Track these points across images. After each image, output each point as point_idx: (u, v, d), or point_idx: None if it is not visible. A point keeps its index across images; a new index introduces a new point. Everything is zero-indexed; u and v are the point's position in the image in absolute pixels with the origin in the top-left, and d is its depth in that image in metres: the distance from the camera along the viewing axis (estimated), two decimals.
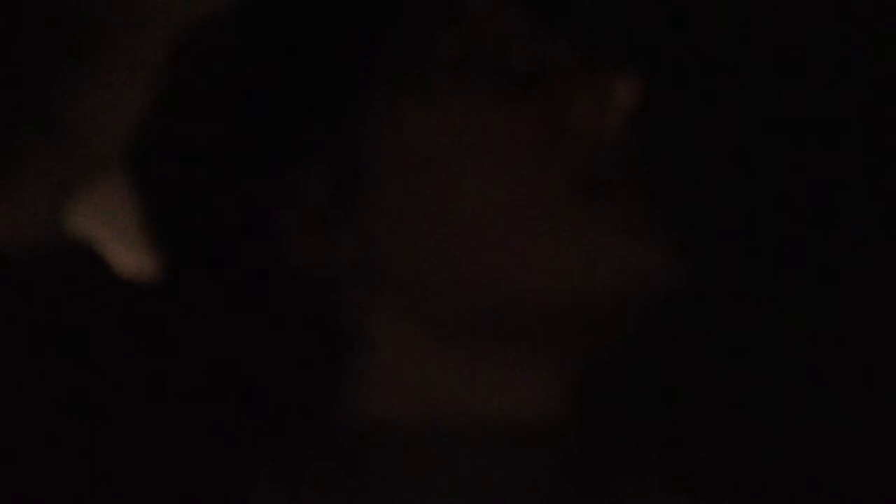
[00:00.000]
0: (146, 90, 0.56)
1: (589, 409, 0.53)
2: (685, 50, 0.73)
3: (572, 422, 0.51)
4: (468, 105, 0.51)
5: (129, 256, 0.78)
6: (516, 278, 0.50)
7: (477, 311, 0.51)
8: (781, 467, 0.54)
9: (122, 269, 0.78)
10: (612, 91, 0.52)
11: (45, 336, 0.55)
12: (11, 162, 0.95)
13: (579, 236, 0.50)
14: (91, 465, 0.50)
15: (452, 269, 0.51)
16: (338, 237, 0.52)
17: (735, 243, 0.68)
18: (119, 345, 0.54)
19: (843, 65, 0.70)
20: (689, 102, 0.71)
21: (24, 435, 0.50)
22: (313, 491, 0.49)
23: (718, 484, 0.52)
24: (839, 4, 0.70)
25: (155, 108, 0.56)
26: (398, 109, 0.52)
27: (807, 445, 0.54)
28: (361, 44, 0.53)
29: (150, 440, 0.50)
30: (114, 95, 0.96)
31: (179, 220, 0.54)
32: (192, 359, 0.53)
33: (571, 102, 0.52)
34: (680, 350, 0.61)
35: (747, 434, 0.55)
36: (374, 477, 0.49)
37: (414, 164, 0.51)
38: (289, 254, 0.52)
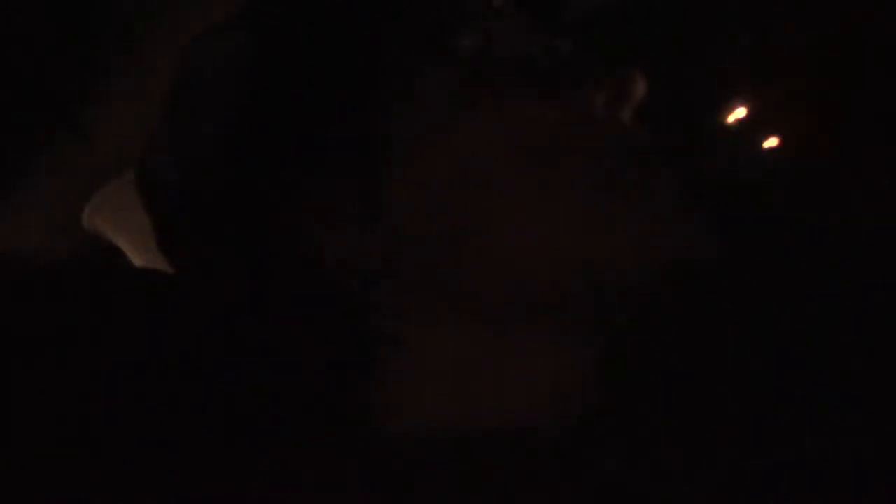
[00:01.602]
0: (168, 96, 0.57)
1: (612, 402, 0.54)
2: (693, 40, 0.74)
3: (593, 419, 0.52)
4: (492, 98, 0.52)
5: (148, 253, 0.80)
6: (548, 267, 0.51)
7: (508, 304, 0.51)
8: (796, 466, 0.54)
9: (141, 264, 0.80)
10: (630, 84, 0.53)
11: (73, 338, 0.56)
12: (43, 167, 0.97)
13: (606, 218, 0.51)
14: (115, 464, 0.51)
15: (483, 264, 0.51)
16: (367, 238, 0.52)
17: (760, 225, 0.68)
18: (144, 344, 0.55)
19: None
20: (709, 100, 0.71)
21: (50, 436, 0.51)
22: (348, 493, 0.49)
23: (730, 480, 0.52)
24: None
25: (173, 116, 0.57)
26: (424, 106, 0.52)
27: (821, 443, 0.54)
28: (382, 43, 0.53)
29: (177, 447, 0.51)
30: (136, 100, 0.98)
31: (208, 224, 0.55)
32: (223, 361, 0.54)
33: (593, 94, 0.53)
34: (702, 336, 0.61)
35: (766, 429, 0.55)
36: (405, 477, 0.50)
37: (441, 161, 0.52)
38: (318, 256, 0.52)
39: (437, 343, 0.51)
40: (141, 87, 0.98)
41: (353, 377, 0.51)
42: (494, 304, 0.50)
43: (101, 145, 1.02)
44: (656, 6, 0.73)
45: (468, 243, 0.50)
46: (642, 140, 0.52)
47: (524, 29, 0.53)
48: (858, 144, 0.69)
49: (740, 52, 0.71)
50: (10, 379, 0.52)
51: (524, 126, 0.51)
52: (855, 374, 0.57)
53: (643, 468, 0.49)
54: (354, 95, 0.51)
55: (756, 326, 0.61)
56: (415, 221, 0.50)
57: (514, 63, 0.52)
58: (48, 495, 0.49)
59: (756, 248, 0.64)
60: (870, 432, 0.53)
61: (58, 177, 1.02)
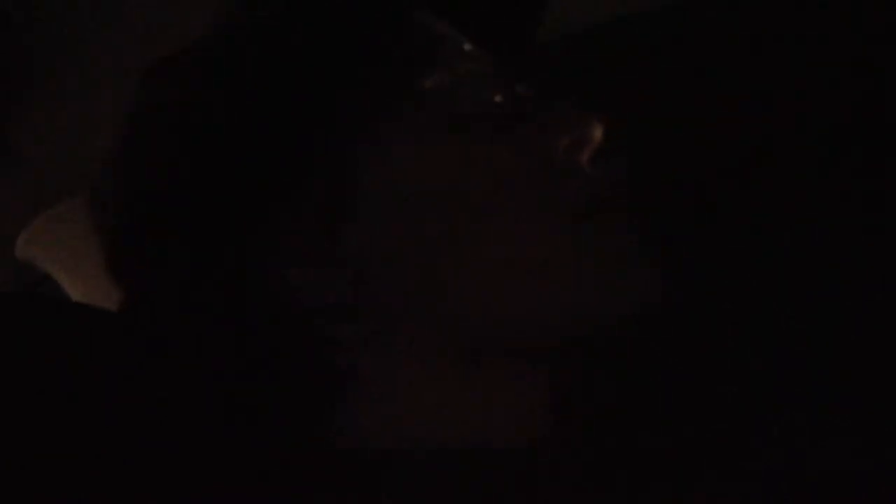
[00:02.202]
0: (117, 117, 0.56)
1: (576, 427, 0.54)
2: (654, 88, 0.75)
3: (561, 439, 0.52)
4: (456, 141, 0.53)
5: (85, 284, 0.78)
6: (507, 306, 0.51)
7: (469, 339, 0.52)
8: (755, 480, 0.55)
9: (77, 296, 0.78)
10: (590, 127, 0.54)
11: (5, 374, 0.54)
12: None
13: (567, 262, 0.51)
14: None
15: (444, 300, 0.51)
16: (330, 270, 0.52)
17: (720, 266, 0.69)
18: (81, 380, 0.54)
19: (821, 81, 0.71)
20: (668, 133, 0.72)
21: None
22: None
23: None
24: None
25: (133, 136, 0.56)
26: (387, 144, 0.53)
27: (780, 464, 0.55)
28: (348, 82, 0.53)
29: (135, 482, 0.50)
30: (71, 125, 0.97)
31: (163, 251, 0.54)
32: (181, 392, 0.53)
33: (555, 137, 0.54)
34: (665, 367, 0.62)
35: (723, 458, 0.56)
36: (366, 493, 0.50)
37: (405, 197, 0.52)
38: (279, 287, 0.52)
39: (397, 375, 0.51)
40: (77, 116, 0.96)
41: (314, 409, 0.51)
42: (453, 340, 0.51)
43: (36, 174, 1.00)
44: (619, 53, 0.74)
45: (429, 282, 0.50)
46: (601, 184, 0.53)
47: (489, 72, 0.54)
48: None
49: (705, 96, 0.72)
50: None
51: (485, 169, 0.51)
52: (811, 419, 0.58)
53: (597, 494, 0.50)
54: (318, 132, 0.51)
55: (713, 369, 0.63)
56: (377, 258, 0.50)
57: (478, 106, 0.53)
58: None
59: (713, 295, 0.65)
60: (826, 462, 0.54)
61: None
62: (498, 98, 0.53)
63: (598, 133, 0.52)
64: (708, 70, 0.72)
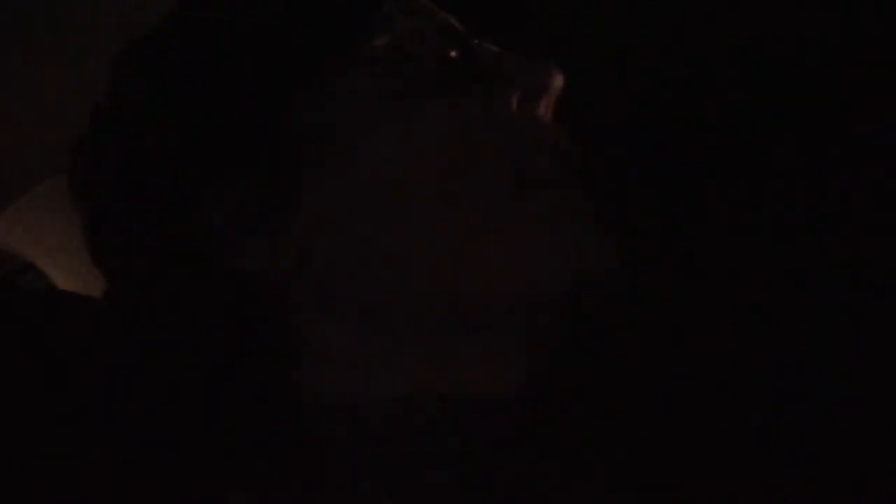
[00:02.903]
0: (78, 103, 0.56)
1: (541, 394, 0.54)
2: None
3: (524, 405, 0.52)
4: (400, 100, 0.51)
5: (61, 268, 0.77)
6: (454, 276, 0.50)
7: (417, 309, 0.51)
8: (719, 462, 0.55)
9: (55, 280, 0.78)
10: (543, 79, 0.52)
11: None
12: None
13: (514, 234, 0.50)
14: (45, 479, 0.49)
15: (390, 269, 0.50)
16: (276, 239, 0.51)
17: (671, 242, 0.69)
18: (70, 367, 0.53)
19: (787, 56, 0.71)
20: (626, 100, 0.71)
21: None
22: (274, 492, 0.48)
23: (671, 478, 0.53)
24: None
25: (91, 119, 0.56)
26: (330, 108, 0.52)
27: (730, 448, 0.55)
28: (289, 43, 0.52)
29: (99, 457, 0.50)
30: (43, 110, 0.95)
31: (118, 231, 0.53)
32: (137, 369, 0.53)
33: (503, 91, 0.52)
34: (619, 344, 0.62)
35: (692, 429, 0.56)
36: (334, 473, 0.49)
37: (348, 163, 0.51)
38: (227, 257, 0.51)
39: (351, 342, 0.51)
40: (40, 102, 0.95)
41: (269, 376, 0.51)
42: (404, 311, 0.50)
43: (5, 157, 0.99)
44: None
45: (380, 249, 0.50)
46: (560, 139, 0.52)
47: (440, 28, 0.53)
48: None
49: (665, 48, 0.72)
50: None
51: (437, 128, 0.50)
52: (763, 399, 0.58)
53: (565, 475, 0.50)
54: (261, 96, 0.50)
55: (670, 346, 0.63)
56: (328, 227, 0.50)
57: (427, 63, 0.51)
58: None
59: (666, 267, 0.65)
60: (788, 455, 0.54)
61: None
62: (450, 54, 0.52)
63: (557, 83, 0.51)
64: (678, 21, 0.72)
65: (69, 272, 0.74)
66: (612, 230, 0.50)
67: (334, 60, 0.51)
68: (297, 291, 0.51)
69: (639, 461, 0.52)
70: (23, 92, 0.97)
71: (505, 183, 0.50)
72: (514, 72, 0.52)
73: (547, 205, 0.50)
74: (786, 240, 0.67)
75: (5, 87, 0.98)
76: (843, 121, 0.67)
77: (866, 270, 0.64)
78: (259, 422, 0.50)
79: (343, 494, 0.48)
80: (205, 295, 0.51)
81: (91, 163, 0.54)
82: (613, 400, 0.57)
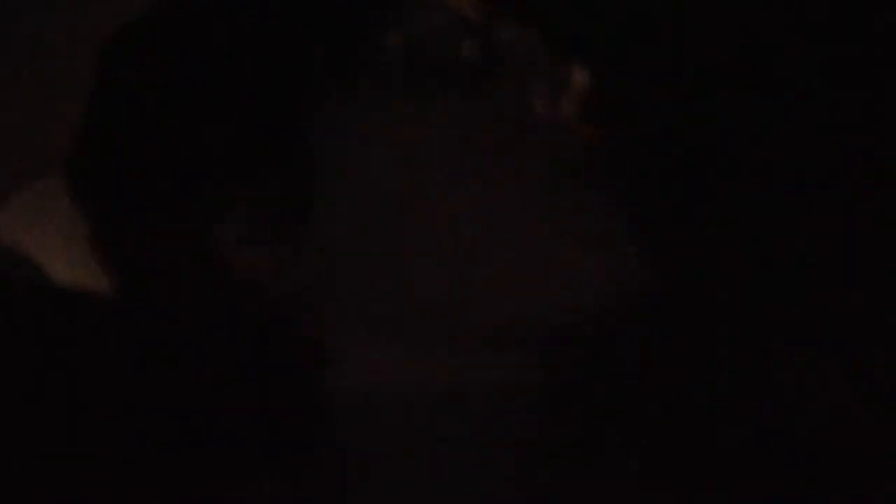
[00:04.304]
0: (81, 97, 0.54)
1: (554, 393, 0.53)
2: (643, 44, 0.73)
3: (537, 405, 0.51)
4: (422, 101, 0.50)
5: (64, 265, 0.76)
6: (477, 284, 0.49)
7: (441, 317, 0.50)
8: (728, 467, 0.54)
9: (58, 278, 0.76)
10: (569, 77, 0.51)
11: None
12: None
13: (540, 240, 0.49)
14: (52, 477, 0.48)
15: (414, 277, 0.49)
16: (295, 249, 0.50)
17: (699, 251, 0.68)
18: (71, 364, 0.52)
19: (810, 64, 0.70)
20: (654, 109, 0.70)
21: None
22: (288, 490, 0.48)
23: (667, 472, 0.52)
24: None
25: (95, 116, 0.54)
26: (351, 113, 0.50)
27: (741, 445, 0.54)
28: (307, 47, 0.51)
29: (110, 472, 0.49)
30: (44, 103, 0.94)
31: (126, 235, 0.52)
32: (150, 380, 0.51)
33: (529, 90, 0.51)
34: (638, 350, 0.60)
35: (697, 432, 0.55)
36: (353, 479, 0.48)
37: (370, 170, 0.50)
38: (243, 269, 0.50)
39: (373, 353, 0.50)
40: (31, 96, 0.94)
41: (289, 389, 0.49)
42: (424, 320, 0.49)
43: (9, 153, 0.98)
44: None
45: (395, 258, 0.48)
46: (583, 141, 0.50)
47: (458, 25, 0.51)
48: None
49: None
50: None
51: (457, 130, 0.49)
52: (777, 394, 0.58)
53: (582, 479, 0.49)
54: (279, 102, 0.49)
55: (693, 355, 0.62)
56: (347, 236, 0.49)
57: (446, 62, 0.50)
58: None
59: (695, 276, 0.64)
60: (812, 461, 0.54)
61: None
62: (468, 52, 0.50)
63: (582, 83, 0.50)
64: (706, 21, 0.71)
65: (68, 268, 0.73)
66: (639, 235, 0.49)
67: (353, 62, 0.50)
68: (317, 302, 0.49)
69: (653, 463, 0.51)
70: (23, 87, 0.96)
71: (528, 187, 0.49)
72: (536, 68, 0.50)
73: (572, 207, 0.49)
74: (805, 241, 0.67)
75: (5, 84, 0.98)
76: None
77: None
78: (272, 422, 0.49)
79: (357, 492, 0.48)
80: (214, 302, 0.50)
81: (97, 164, 0.53)
82: (625, 405, 0.56)
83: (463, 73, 0.50)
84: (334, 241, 0.49)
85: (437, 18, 0.51)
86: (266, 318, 0.50)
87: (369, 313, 0.49)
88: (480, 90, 0.50)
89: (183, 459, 0.48)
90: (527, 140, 0.49)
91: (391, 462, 0.48)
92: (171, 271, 0.50)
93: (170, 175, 0.50)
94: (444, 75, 0.49)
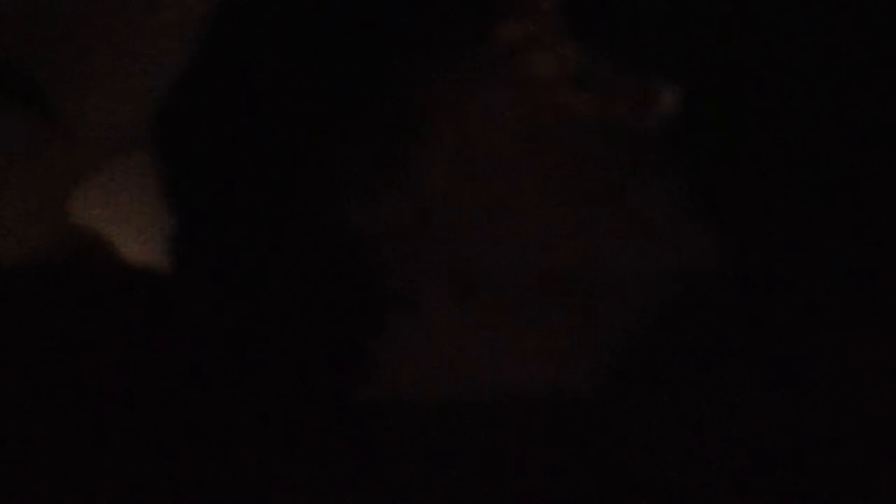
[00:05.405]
0: (161, 74, 0.55)
1: (615, 389, 0.53)
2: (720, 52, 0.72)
3: (595, 400, 0.51)
4: (519, 92, 0.53)
5: (138, 244, 0.77)
6: (558, 257, 0.51)
7: (520, 285, 0.51)
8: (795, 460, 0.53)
9: (131, 257, 0.77)
10: (651, 98, 0.54)
11: (71, 342, 0.54)
12: (18, 160, 0.94)
13: (617, 219, 0.50)
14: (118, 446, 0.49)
15: (499, 243, 0.51)
16: (392, 201, 0.52)
17: (771, 230, 0.67)
18: (143, 341, 0.53)
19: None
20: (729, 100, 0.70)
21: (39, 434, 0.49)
22: (339, 456, 0.49)
23: (730, 472, 0.51)
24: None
25: (201, 77, 0.56)
26: (455, 87, 0.53)
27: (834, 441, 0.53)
28: (422, 20, 0.53)
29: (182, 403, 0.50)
30: (119, 85, 0.95)
31: (227, 180, 0.54)
32: (210, 344, 0.52)
33: (612, 105, 0.54)
34: (707, 337, 0.60)
35: (769, 424, 0.54)
36: (396, 439, 0.49)
37: (467, 139, 0.53)
38: (342, 213, 0.52)
39: (447, 311, 0.51)
40: (117, 76, 0.95)
41: (361, 337, 0.51)
42: (509, 286, 0.50)
43: (77, 135, 0.99)
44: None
45: (488, 219, 0.50)
46: (657, 147, 0.51)
47: (564, 32, 0.53)
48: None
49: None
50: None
51: (548, 120, 0.51)
52: (856, 377, 0.57)
53: (640, 453, 0.48)
54: (386, 63, 0.51)
55: (758, 335, 0.61)
56: (439, 192, 0.51)
57: (549, 61, 0.52)
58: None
59: (762, 257, 0.64)
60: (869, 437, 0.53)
61: (32, 171, 0.99)
62: (570, 60, 0.52)
63: (663, 104, 0.52)
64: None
65: (143, 249, 0.74)
66: (711, 226, 0.50)
67: (460, 42, 0.52)
68: (404, 253, 0.51)
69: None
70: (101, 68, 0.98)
71: (609, 173, 0.50)
72: (626, 87, 0.52)
73: (648, 195, 0.50)
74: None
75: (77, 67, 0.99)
76: None
77: None
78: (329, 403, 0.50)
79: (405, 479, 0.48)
80: (309, 246, 0.52)
81: (192, 117, 0.55)
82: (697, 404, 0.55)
83: (558, 77, 0.52)
84: (429, 198, 0.51)
85: (548, 24, 0.54)
86: (354, 262, 0.52)
87: (451, 272, 0.51)
88: (572, 94, 0.52)
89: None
90: (604, 138, 0.51)
91: (436, 413, 0.48)
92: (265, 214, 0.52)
93: (283, 129, 0.53)
94: (545, 73, 0.52)
